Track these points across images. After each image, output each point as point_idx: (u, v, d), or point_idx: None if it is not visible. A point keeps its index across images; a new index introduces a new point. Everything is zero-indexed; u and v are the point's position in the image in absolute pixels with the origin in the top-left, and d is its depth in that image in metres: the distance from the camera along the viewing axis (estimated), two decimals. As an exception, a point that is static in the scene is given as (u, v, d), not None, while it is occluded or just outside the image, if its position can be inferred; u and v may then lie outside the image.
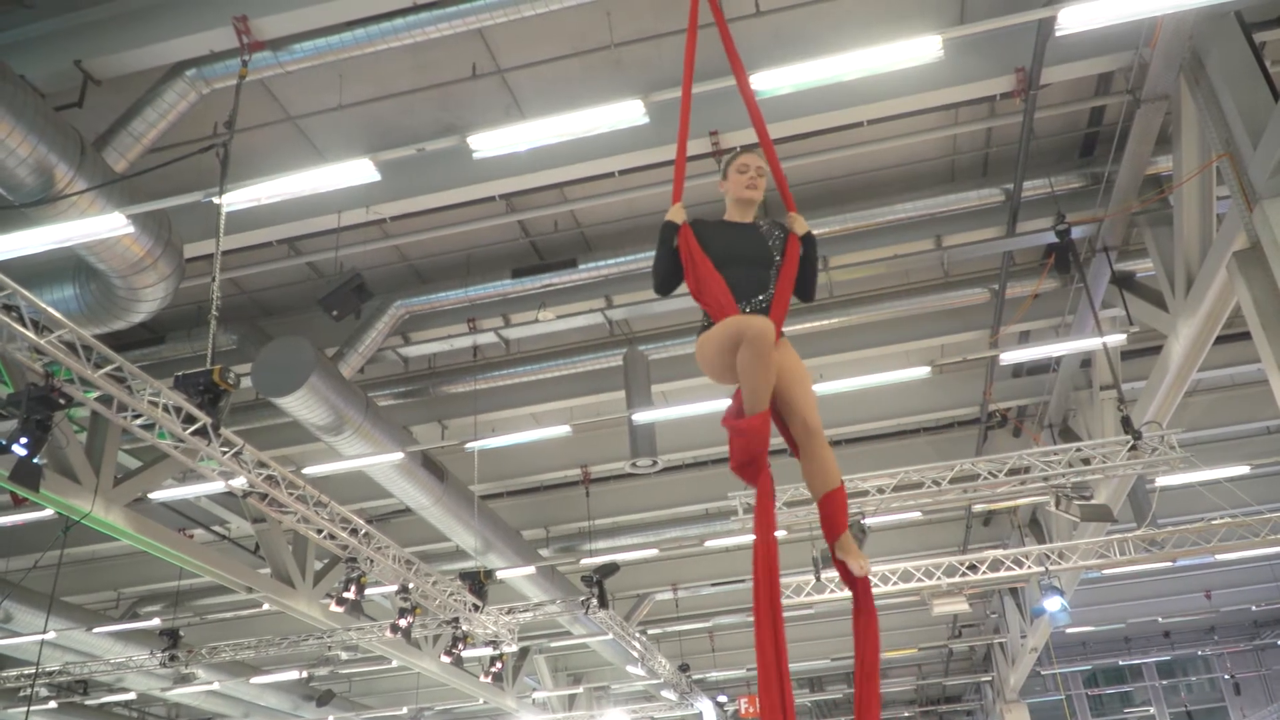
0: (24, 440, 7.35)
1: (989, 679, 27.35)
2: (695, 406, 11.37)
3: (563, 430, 11.86)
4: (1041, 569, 14.05)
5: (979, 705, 32.34)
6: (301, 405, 9.88)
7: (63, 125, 7.25)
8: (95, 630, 16.51)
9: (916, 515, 15.70)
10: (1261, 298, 7.33)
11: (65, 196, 7.32)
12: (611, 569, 14.46)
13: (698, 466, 15.87)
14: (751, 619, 2.82)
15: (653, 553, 16.83)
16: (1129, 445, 10.06)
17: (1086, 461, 10.36)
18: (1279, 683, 29.87)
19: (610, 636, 16.70)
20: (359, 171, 7.49)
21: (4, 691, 18.38)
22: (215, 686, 20.62)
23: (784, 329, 3.36)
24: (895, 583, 14.39)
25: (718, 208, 3.60)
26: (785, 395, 3.20)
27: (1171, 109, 8.47)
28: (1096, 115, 9.96)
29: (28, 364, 7.38)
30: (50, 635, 14.99)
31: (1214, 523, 13.23)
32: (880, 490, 10.82)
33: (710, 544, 16.72)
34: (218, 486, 10.22)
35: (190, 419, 8.13)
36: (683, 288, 3.42)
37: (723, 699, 25.08)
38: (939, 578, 14.39)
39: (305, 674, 20.78)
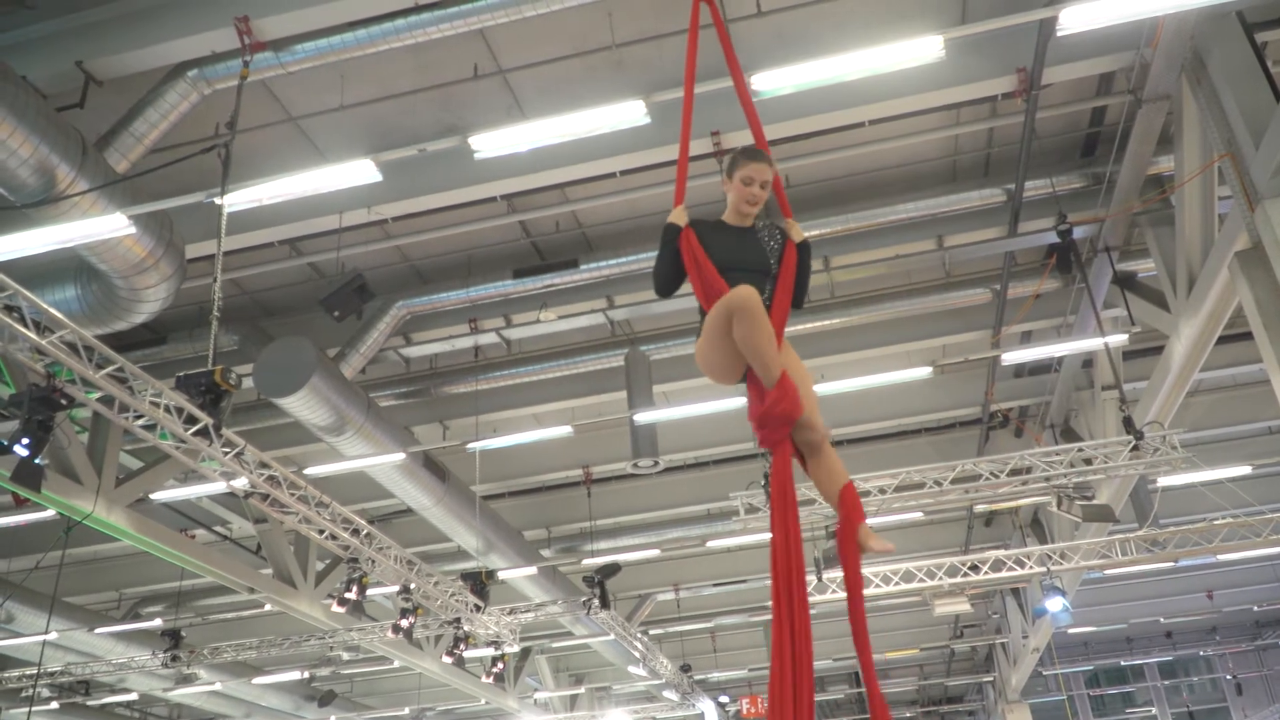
0: (26, 441, 7.37)
1: (991, 679, 27.32)
2: (697, 407, 11.41)
3: (564, 431, 11.87)
4: (1043, 569, 14.03)
5: (981, 705, 32.33)
6: (303, 406, 9.88)
7: (64, 126, 7.26)
8: (97, 631, 16.52)
9: (918, 515, 15.69)
10: (1263, 298, 7.33)
11: (67, 197, 7.32)
12: (613, 569, 14.46)
13: (699, 467, 15.87)
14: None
15: (654, 553, 16.85)
16: (1131, 445, 10.05)
17: (1088, 462, 10.36)
18: (1281, 683, 29.90)
19: (612, 637, 16.70)
20: (360, 172, 7.49)
21: (6, 692, 18.39)
22: (217, 687, 20.64)
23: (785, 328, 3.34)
24: (897, 583, 14.38)
25: (720, 208, 3.59)
26: None
27: (1173, 109, 8.46)
28: (1098, 115, 9.95)
29: (29, 365, 7.38)
30: (52, 636, 14.96)
31: (1216, 523, 13.22)
32: (882, 490, 10.81)
33: (712, 544, 16.73)
34: (219, 487, 10.21)
35: (192, 419, 8.12)
36: (683, 289, 3.42)
37: (724, 699, 25.11)
38: (941, 578, 14.38)
39: (307, 674, 20.76)
